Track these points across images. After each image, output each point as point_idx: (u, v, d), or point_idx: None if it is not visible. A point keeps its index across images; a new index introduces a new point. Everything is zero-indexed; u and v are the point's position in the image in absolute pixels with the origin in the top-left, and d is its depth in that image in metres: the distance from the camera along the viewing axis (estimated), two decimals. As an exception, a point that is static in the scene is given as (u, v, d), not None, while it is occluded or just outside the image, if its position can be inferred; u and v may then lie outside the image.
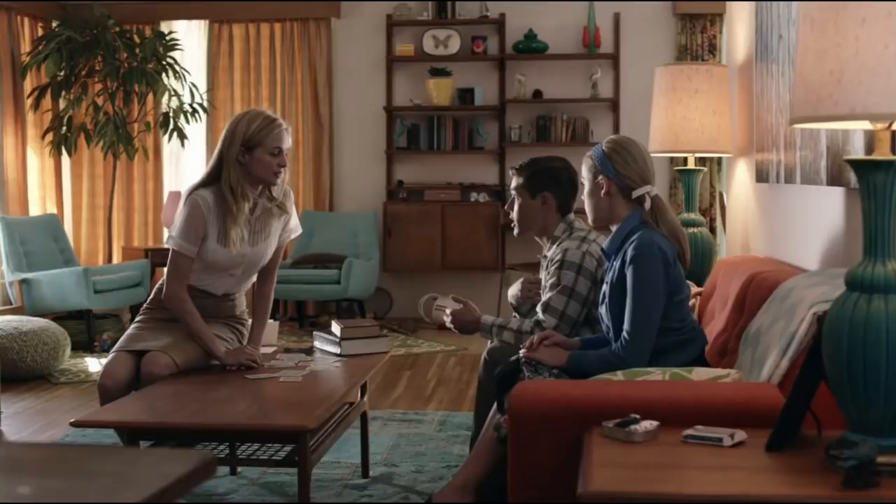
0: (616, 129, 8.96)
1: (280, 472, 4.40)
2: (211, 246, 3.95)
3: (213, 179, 3.98)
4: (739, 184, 5.14)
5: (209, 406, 3.48)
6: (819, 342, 2.20)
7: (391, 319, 8.97)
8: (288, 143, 3.98)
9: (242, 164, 3.93)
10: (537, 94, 9.07)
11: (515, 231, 4.11)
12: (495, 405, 3.46)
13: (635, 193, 3.32)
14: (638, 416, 2.43)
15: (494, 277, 8.96)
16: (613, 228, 3.35)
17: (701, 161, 8.10)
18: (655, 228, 3.27)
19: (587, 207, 3.44)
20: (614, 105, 9.04)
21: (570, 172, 4.06)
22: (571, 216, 4.04)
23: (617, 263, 3.25)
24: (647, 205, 3.30)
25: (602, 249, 3.43)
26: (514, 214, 4.07)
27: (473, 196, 9.07)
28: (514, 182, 4.08)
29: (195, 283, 4.03)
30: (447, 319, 4.09)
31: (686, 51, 8.88)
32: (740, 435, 2.32)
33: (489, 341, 4.07)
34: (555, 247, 3.98)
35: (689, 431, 2.36)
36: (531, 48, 9.02)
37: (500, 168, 9.22)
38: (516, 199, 4.05)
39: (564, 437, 2.60)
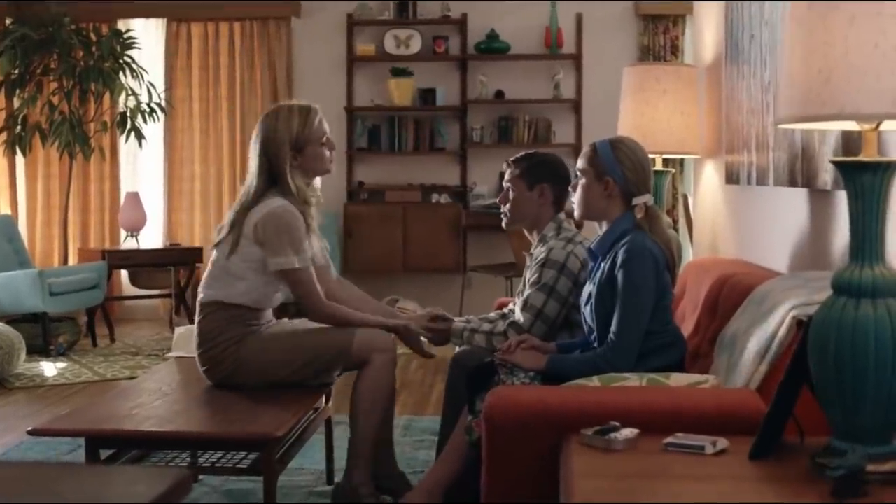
0: (578, 130, 8.94)
1: (243, 480, 4.30)
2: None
3: (261, 195, 3.79)
4: (707, 185, 5.11)
5: (171, 413, 3.39)
6: (803, 347, 2.15)
7: (352, 322, 8.87)
8: (326, 124, 3.87)
9: (296, 167, 3.81)
10: (499, 94, 9.01)
11: (505, 223, 4.02)
12: (466, 406, 3.40)
13: (635, 201, 3.26)
14: (618, 424, 2.38)
15: (456, 279, 8.89)
16: (602, 226, 3.29)
17: (665, 162, 8.07)
18: (647, 234, 3.21)
19: (578, 200, 3.35)
20: (577, 106, 9.00)
21: (566, 170, 4.00)
22: (562, 216, 3.97)
23: (606, 265, 3.19)
24: (642, 212, 3.25)
25: (589, 249, 3.36)
26: (507, 206, 3.97)
27: (435, 197, 9.00)
28: (510, 174, 3.98)
29: (255, 302, 4.15)
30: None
31: (648, 52, 8.86)
32: (722, 443, 2.27)
33: (457, 347, 4.00)
34: (541, 246, 3.92)
35: (669, 439, 2.31)
36: (493, 48, 8.96)
37: (461, 169, 9.16)
38: (511, 191, 3.96)
39: (541, 444, 2.54)
